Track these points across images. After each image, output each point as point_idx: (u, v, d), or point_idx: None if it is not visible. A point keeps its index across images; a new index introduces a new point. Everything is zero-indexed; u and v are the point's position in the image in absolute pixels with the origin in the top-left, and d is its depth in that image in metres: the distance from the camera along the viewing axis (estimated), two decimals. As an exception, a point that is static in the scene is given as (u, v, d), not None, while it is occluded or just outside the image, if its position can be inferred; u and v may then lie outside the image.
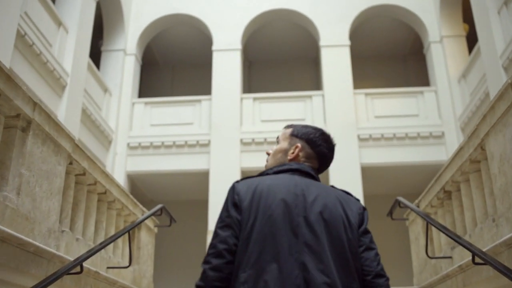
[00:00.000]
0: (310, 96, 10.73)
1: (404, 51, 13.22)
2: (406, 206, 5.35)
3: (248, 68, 13.44)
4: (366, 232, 1.97)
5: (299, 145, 2.13)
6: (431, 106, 10.53)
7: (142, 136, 10.56)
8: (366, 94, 10.71)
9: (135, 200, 5.67)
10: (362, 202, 9.51)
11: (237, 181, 2.03)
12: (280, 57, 13.20)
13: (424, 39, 11.28)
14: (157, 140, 10.46)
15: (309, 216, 1.86)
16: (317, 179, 2.09)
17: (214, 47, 11.22)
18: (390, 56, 13.29)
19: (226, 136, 10.25)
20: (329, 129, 10.04)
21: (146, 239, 6.10)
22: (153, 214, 5.54)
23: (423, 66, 12.97)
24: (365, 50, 12.67)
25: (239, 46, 11.17)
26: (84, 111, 9.07)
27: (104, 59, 11.11)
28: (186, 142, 10.41)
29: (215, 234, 1.90)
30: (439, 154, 10.08)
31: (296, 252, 1.80)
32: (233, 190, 1.98)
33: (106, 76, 10.82)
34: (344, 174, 9.71)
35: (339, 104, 10.43)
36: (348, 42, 11.04)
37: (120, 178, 10.19)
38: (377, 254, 1.95)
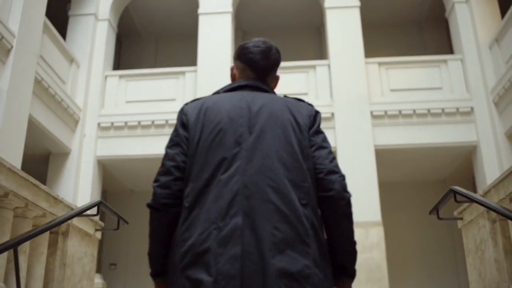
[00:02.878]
0: (313, 66, 9.08)
1: (420, 16, 11.52)
2: (470, 200, 3.68)
3: (242, 38, 11.76)
4: (318, 132, 1.93)
5: (232, 65, 2.13)
6: (456, 77, 8.88)
7: (115, 115, 8.93)
8: (380, 64, 9.06)
9: (52, 193, 3.92)
10: (376, 190, 7.92)
11: (186, 103, 2.03)
12: (278, 24, 11.47)
13: (447, -1, 9.62)
14: (133, 120, 8.84)
15: (253, 125, 1.83)
16: (268, 91, 2.03)
17: (200, 10, 9.55)
18: (405, 22, 11.59)
19: (214, 114, 8.60)
20: (336, 105, 8.41)
21: (79, 250, 4.43)
22: (81, 214, 3.88)
23: (442, 33, 11.36)
24: (375, 14, 10.96)
25: (229, 9, 9.50)
26: (39, 83, 7.43)
27: (72, 25, 9.44)
28: (167, 121, 8.79)
29: (165, 153, 1.88)
30: (468, 133, 8.47)
31: (238, 159, 1.75)
32: (181, 111, 1.98)
33: (73, 45, 9.17)
34: (355, 158, 8.11)
35: (348, 75, 8.79)
36: (357, 3, 9.38)
37: (89, 164, 8.59)
38: (330, 153, 1.88)
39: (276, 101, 1.94)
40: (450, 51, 10.75)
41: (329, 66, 9.01)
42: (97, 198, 8.63)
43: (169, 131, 8.66)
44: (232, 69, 2.11)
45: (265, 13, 11.16)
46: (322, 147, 1.89)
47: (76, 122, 8.68)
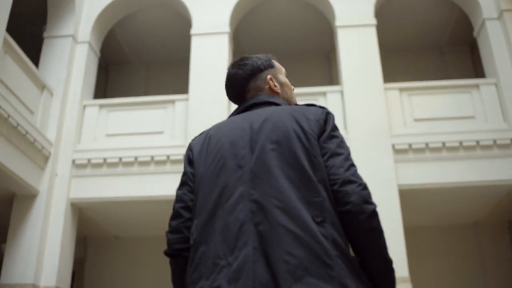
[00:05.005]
0: (323, 93, 7.81)
1: (441, 39, 10.29)
2: None
3: (242, 65, 10.55)
4: (331, 137, 1.72)
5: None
6: (491, 104, 7.58)
7: (93, 150, 7.65)
8: (401, 90, 7.78)
9: None
10: (402, 240, 6.55)
11: (194, 138, 1.95)
12: (283, 49, 10.15)
13: (475, 16, 8.38)
14: (114, 156, 7.54)
15: (255, 143, 1.69)
16: (276, 102, 1.90)
17: (193, 31, 8.37)
18: (424, 46, 10.35)
19: (207, 149, 7.32)
20: (352, 137, 7.11)
21: None
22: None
23: (465, 57, 10.18)
24: (391, 37, 9.75)
25: (226, 29, 8.31)
26: (-4, 113, 6.20)
27: (46, 48, 8.24)
28: (152, 157, 7.48)
29: (175, 196, 1.83)
30: (508, 169, 7.13)
31: (241, 184, 1.62)
32: (188, 148, 1.92)
33: (46, 70, 7.96)
34: (376, 201, 6.73)
35: (364, 103, 7.52)
36: (373, 21, 8.18)
37: (60, 208, 7.27)
38: (346, 159, 1.67)
39: (280, 112, 1.79)
40: (475, 77, 9.53)
41: (341, 92, 7.75)
42: (69, 246, 7.32)
43: (155, 169, 7.40)
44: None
45: (268, 36, 9.95)
46: (337, 154, 1.69)
47: (46, 158, 7.38)
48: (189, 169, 1.82)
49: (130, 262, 9.22)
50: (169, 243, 1.74)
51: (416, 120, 7.55)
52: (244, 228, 1.54)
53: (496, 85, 7.67)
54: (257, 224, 1.54)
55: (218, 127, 1.85)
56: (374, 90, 7.60)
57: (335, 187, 1.62)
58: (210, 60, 8.07)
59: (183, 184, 1.82)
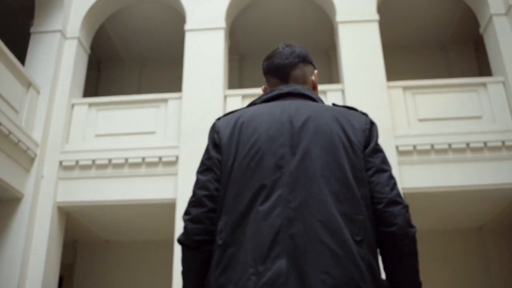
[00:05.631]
0: (324, 92, 7.44)
1: (444, 37, 9.94)
2: None
3: (239, 63, 10.20)
4: (376, 151, 1.64)
5: (263, 87, 1.93)
6: (499, 103, 7.22)
7: (82, 151, 7.27)
8: (405, 88, 7.42)
9: None
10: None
11: (219, 118, 1.80)
12: (279, 43, 9.93)
13: (481, 12, 8.03)
14: (103, 157, 7.17)
15: (296, 144, 1.58)
16: (314, 99, 1.78)
17: (187, 26, 8.00)
18: (427, 44, 10.01)
19: (202, 150, 6.90)
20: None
21: None
22: None
23: (469, 56, 9.83)
24: (393, 35, 9.39)
25: (222, 24, 7.94)
26: (-24, 111, 5.84)
27: (33, 44, 7.87)
28: (143, 159, 7.11)
29: (196, 180, 1.70)
30: (517, 172, 6.79)
31: (280, 187, 1.51)
32: (212, 129, 1.78)
33: (33, 67, 7.59)
34: (379, 205, 6.38)
35: (366, 102, 7.14)
36: (376, 16, 7.81)
37: (46, 212, 6.89)
38: (391, 177, 1.60)
39: (323, 112, 1.68)
40: (480, 76, 9.19)
41: (342, 91, 7.39)
42: (56, 251, 6.95)
43: (146, 171, 7.03)
44: (264, 90, 1.91)
45: (265, 32, 9.59)
46: (382, 170, 1.62)
47: (32, 160, 7.01)
48: (215, 154, 1.69)
49: (121, 267, 8.85)
50: (188, 233, 1.61)
51: (421, 120, 7.20)
52: (280, 238, 1.45)
53: (504, 83, 7.32)
54: (293, 235, 1.45)
55: (251, 114, 1.70)
56: (377, 88, 7.24)
57: (380, 206, 1.55)
58: (205, 56, 7.70)
59: (207, 169, 1.68)
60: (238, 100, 7.42)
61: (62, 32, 7.93)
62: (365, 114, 1.76)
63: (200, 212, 1.62)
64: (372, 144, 1.66)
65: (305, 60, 1.91)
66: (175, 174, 6.93)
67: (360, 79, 7.32)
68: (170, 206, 6.85)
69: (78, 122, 7.56)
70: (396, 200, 1.57)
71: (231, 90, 7.67)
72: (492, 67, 7.80)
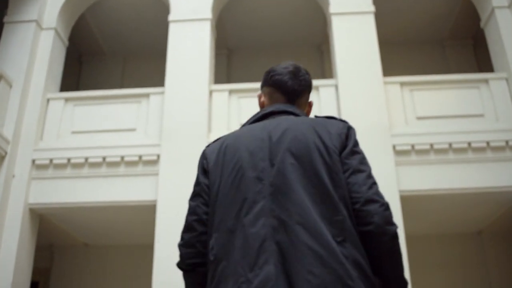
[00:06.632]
0: (316, 87, 6.96)
1: (441, 33, 9.51)
2: None
3: (227, 57, 9.73)
4: (353, 153, 1.70)
5: (260, 92, 2.01)
6: (502, 101, 6.80)
7: (56, 149, 6.77)
8: (402, 84, 6.97)
9: None
10: (403, 245, 5.70)
11: (208, 145, 1.87)
12: (271, 41, 9.39)
13: (482, 5, 7.60)
14: (79, 155, 6.67)
15: (275, 155, 1.65)
16: (296, 113, 1.85)
17: (171, 17, 7.52)
18: (424, 39, 9.58)
19: (184, 149, 6.47)
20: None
21: None
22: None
23: (467, 52, 9.45)
24: (389, 30, 8.94)
25: (208, 15, 7.46)
26: None
27: (6, 34, 7.37)
28: (123, 158, 6.62)
29: (188, 207, 1.77)
30: (520, 174, 6.36)
31: (262, 198, 1.59)
32: (202, 155, 1.85)
33: (6, 58, 7.10)
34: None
35: (361, 98, 6.70)
36: (371, 8, 7.37)
37: (17, 214, 6.39)
38: (368, 177, 1.65)
39: (301, 123, 1.75)
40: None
41: (336, 86, 6.93)
42: (27, 256, 6.46)
43: (125, 171, 6.56)
44: (259, 97, 2.00)
45: (254, 25, 9.10)
46: (359, 171, 1.66)
47: (2, 158, 6.50)
48: (203, 180, 1.76)
49: (100, 271, 8.36)
50: (182, 257, 1.70)
51: (419, 118, 6.76)
52: (266, 245, 1.51)
53: (507, 80, 6.90)
54: (278, 241, 1.51)
55: (235, 136, 1.79)
56: (373, 84, 6.79)
57: (357, 206, 1.59)
58: (189, 49, 7.23)
59: (196, 195, 1.76)
60: (225, 95, 6.96)
61: (37, 22, 7.43)
62: (343, 121, 1.81)
63: (191, 236, 1.68)
64: (349, 147, 1.70)
65: (306, 89, 1.96)
66: (156, 174, 6.45)
67: (355, 74, 6.88)
68: (150, 208, 6.37)
69: (53, 118, 7.06)
70: (373, 198, 1.59)
71: (217, 85, 7.20)
72: (494, 63, 7.38)
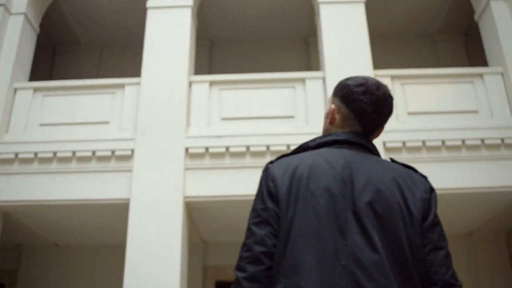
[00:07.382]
0: (302, 80, 6.59)
1: (432, 28, 9.17)
2: None
3: (209, 49, 9.30)
4: (434, 225, 1.57)
5: (333, 106, 1.79)
6: (497, 97, 6.46)
7: (22, 143, 6.30)
8: (393, 77, 6.61)
9: None
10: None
11: (271, 162, 1.70)
12: (255, 32, 8.94)
13: (477, -3, 7.28)
14: (47, 150, 6.21)
15: (359, 209, 1.52)
16: (372, 151, 1.73)
17: (149, 3, 7.07)
18: (414, 34, 9.23)
19: (161, 144, 6.05)
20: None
21: None
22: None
23: (457, 47, 9.13)
24: (379, 24, 8.57)
25: (189, 1, 7.03)
26: None
27: (-29, 19, 6.87)
28: (94, 152, 6.17)
29: (250, 232, 1.57)
30: (515, 174, 6.03)
31: (344, 258, 1.45)
32: (266, 175, 1.65)
33: (-31, 45, 6.60)
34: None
35: (349, 92, 6.32)
36: (362, -4, 7.00)
37: (-22, 214, 5.91)
38: (447, 256, 1.56)
39: (384, 172, 1.62)
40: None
41: (323, 79, 6.55)
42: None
43: (96, 166, 6.10)
44: (332, 112, 1.79)
45: (238, 13, 8.66)
46: (439, 248, 1.55)
47: (-38, 152, 6.03)
48: (272, 206, 1.58)
49: (70, 272, 7.90)
50: None
51: (411, 113, 6.39)
52: None
53: (502, 74, 6.57)
54: None
55: (311, 165, 1.60)
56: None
57: None
58: (168, 37, 6.78)
59: (264, 222, 1.56)
60: (205, 87, 6.53)
61: (5, 7, 6.94)
62: (424, 177, 1.71)
63: (258, 270, 1.52)
64: (430, 217, 1.60)
65: (388, 119, 1.84)
66: (130, 171, 6.00)
67: (344, 66, 6.49)
68: (123, 207, 5.92)
69: (20, 109, 6.58)
70: (451, 282, 1.54)
71: (197, 76, 6.75)
72: (488, 57, 7.04)
